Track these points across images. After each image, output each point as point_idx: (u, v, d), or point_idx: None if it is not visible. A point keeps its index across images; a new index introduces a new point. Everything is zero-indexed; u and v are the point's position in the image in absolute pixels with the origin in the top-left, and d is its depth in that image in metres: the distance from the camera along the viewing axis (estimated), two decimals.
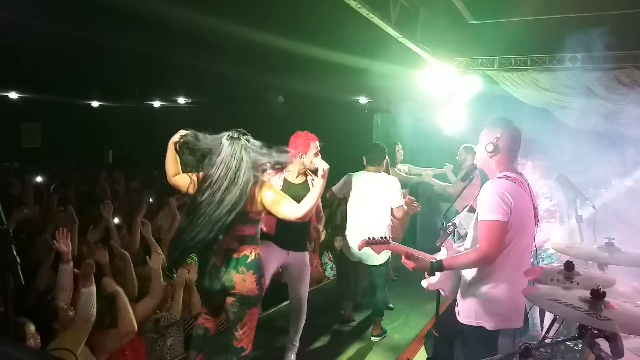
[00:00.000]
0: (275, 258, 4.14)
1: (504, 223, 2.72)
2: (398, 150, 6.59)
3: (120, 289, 3.52)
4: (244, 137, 3.16)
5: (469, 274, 2.94)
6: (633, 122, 6.78)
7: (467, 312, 2.91)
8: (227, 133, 3.16)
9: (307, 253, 4.32)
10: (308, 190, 3.89)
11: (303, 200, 3.16)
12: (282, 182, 4.07)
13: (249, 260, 3.16)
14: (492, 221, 2.72)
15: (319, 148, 4.06)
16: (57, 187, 8.70)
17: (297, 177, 4.14)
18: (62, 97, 12.78)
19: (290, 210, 3.14)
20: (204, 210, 3.02)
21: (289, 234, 4.01)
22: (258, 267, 3.20)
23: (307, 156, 4.02)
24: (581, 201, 3.78)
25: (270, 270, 4.13)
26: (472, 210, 3.26)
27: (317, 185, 3.23)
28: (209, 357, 3.48)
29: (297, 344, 4.35)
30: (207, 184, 3.07)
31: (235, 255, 3.14)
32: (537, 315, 4.30)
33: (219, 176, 3.05)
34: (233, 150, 3.09)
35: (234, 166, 3.06)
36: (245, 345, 3.25)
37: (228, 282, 3.13)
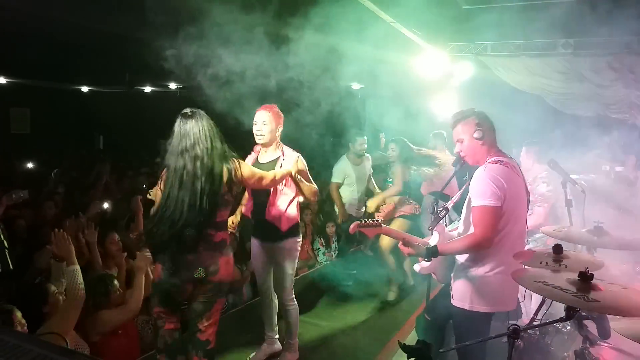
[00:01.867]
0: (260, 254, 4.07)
1: (498, 208, 2.74)
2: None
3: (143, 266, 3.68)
4: (198, 113, 3.00)
5: (462, 257, 2.96)
6: (624, 107, 6.81)
7: (461, 295, 2.94)
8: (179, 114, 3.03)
9: (286, 242, 3.94)
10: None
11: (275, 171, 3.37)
12: (253, 161, 3.95)
13: (227, 243, 3.12)
14: (486, 206, 2.74)
15: (263, 119, 3.77)
16: (59, 172, 8.65)
17: (265, 154, 3.92)
18: (52, 82, 12.63)
19: (266, 180, 3.27)
20: (170, 202, 2.90)
21: (264, 224, 3.88)
22: (231, 253, 3.15)
23: (254, 127, 3.85)
24: (571, 186, 3.80)
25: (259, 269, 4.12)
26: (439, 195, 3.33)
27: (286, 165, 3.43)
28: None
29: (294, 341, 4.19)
30: (167, 175, 2.95)
31: (215, 240, 3.01)
32: (531, 305, 4.33)
33: (176, 161, 2.93)
34: (187, 128, 2.95)
35: (188, 144, 2.93)
36: (211, 338, 3.10)
37: (213, 267, 2.98)
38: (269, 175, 3.36)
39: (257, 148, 4.03)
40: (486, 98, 6.71)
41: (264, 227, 3.89)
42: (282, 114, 3.90)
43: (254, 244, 4.10)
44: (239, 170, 3.07)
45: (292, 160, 3.81)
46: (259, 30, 4.82)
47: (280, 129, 3.89)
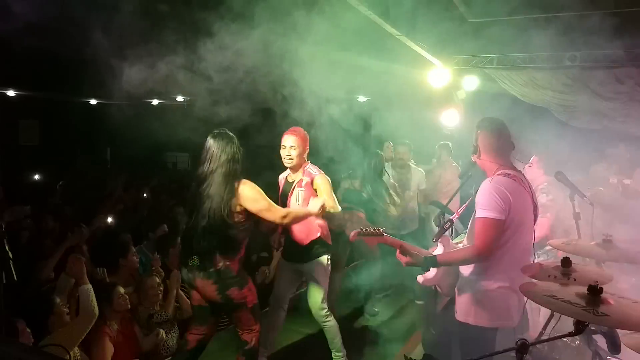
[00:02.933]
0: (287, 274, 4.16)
1: (501, 221, 2.71)
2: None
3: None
4: (222, 133, 3.29)
5: (467, 271, 2.92)
6: (631, 120, 6.77)
7: (464, 310, 2.90)
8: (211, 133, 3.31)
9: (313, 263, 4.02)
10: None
11: (293, 208, 3.36)
12: (283, 181, 4.09)
13: (235, 272, 3.27)
14: (489, 219, 2.71)
15: (290, 143, 3.85)
16: (65, 184, 8.70)
17: (291, 174, 4.03)
18: (61, 94, 12.73)
19: (273, 214, 3.25)
20: (191, 223, 3.24)
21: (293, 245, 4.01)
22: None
23: (282, 151, 3.94)
24: (579, 198, 3.77)
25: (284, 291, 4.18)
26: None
27: (311, 205, 3.44)
28: None
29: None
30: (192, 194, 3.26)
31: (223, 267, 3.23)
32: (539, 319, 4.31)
33: (204, 174, 3.22)
34: (207, 147, 3.25)
35: (204, 163, 3.23)
36: (249, 340, 3.43)
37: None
38: (276, 211, 3.31)
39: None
40: (492, 110, 6.70)
41: (293, 248, 4.00)
42: (307, 136, 3.96)
43: (283, 263, 4.21)
44: (238, 192, 3.18)
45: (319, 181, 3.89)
46: (268, 45, 4.85)
47: (307, 151, 3.95)
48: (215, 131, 3.30)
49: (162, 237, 5.24)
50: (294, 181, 3.96)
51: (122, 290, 3.65)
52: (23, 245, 4.76)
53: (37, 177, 10.05)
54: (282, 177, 4.14)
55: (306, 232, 3.91)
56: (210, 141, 3.26)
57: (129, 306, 3.69)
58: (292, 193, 3.89)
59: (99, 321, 3.41)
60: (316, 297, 4.02)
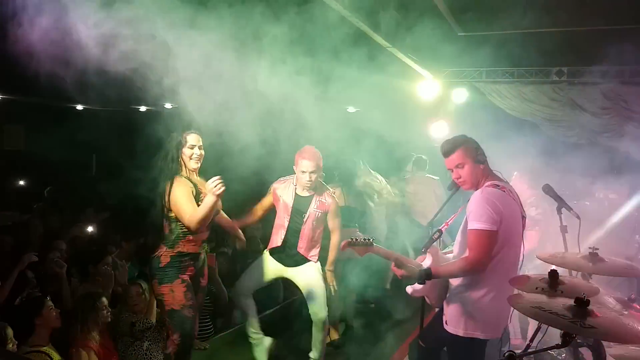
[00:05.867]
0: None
1: (494, 232, 2.72)
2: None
3: None
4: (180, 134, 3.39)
5: (456, 282, 2.92)
6: (617, 135, 6.88)
7: (455, 321, 2.90)
8: None
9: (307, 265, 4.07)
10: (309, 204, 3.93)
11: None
12: (293, 194, 4.00)
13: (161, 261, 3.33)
14: (482, 230, 2.72)
15: (308, 168, 3.83)
16: (52, 190, 8.58)
17: (303, 190, 4.00)
18: (46, 99, 12.57)
19: (185, 218, 3.20)
20: None
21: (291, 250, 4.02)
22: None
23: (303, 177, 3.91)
24: (566, 211, 3.79)
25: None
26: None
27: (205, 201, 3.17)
28: None
29: None
30: None
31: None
32: (517, 324, 4.41)
33: None
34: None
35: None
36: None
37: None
38: (186, 210, 3.20)
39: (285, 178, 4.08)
40: (480, 123, 6.75)
41: (290, 253, 3.99)
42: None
43: (270, 259, 4.10)
44: (167, 192, 3.26)
45: (328, 199, 3.98)
46: (257, 53, 4.83)
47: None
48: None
49: (141, 245, 5.16)
50: (307, 196, 3.96)
51: (105, 301, 3.57)
52: (7, 252, 4.69)
53: (22, 182, 9.92)
54: (290, 190, 4.01)
55: (315, 249, 4.05)
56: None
57: (110, 319, 3.60)
58: (309, 215, 3.92)
59: (82, 333, 3.35)
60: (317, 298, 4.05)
